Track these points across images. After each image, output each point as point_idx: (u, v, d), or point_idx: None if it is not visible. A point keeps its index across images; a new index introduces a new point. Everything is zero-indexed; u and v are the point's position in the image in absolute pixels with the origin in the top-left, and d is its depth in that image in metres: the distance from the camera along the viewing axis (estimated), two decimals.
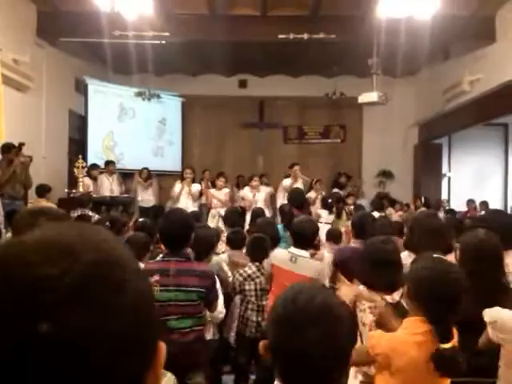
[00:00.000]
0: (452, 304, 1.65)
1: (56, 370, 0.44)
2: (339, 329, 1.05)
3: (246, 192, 8.05)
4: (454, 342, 1.61)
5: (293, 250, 3.35)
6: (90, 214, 5.95)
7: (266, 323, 1.12)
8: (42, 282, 0.45)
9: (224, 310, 3.07)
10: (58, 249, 0.49)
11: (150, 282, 0.56)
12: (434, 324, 1.64)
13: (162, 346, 0.55)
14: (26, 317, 0.44)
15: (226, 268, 3.71)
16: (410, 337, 1.69)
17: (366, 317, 2.45)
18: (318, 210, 7.08)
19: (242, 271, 3.55)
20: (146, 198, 9.22)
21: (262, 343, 1.13)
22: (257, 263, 3.56)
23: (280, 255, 3.40)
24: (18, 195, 6.27)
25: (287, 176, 8.24)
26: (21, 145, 6.43)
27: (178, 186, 7.89)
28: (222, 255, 4.01)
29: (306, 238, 3.37)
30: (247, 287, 3.51)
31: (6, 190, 6.19)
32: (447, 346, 1.59)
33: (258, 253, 3.57)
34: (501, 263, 2.29)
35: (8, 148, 6.27)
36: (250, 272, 3.53)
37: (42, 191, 6.15)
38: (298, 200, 5.54)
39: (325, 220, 6.51)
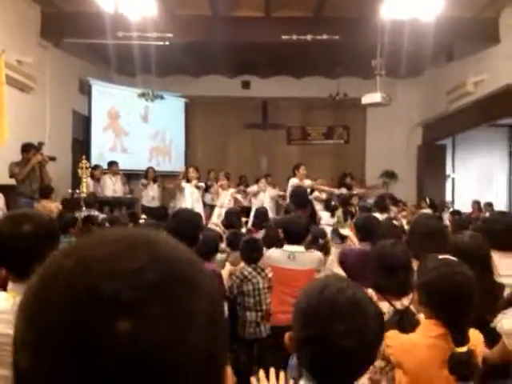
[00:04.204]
0: (463, 306, 1.61)
1: (129, 376, 0.40)
2: (367, 324, 1.05)
3: (253, 188, 8.12)
4: (471, 345, 1.58)
5: (287, 247, 3.37)
6: (97, 214, 5.96)
7: (292, 316, 1.11)
8: (119, 276, 0.42)
9: (226, 312, 3.06)
10: (134, 242, 0.46)
11: (219, 287, 0.52)
12: (449, 329, 1.61)
13: (230, 372, 0.51)
14: (101, 313, 0.40)
15: (227, 268, 3.71)
16: (422, 339, 1.68)
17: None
18: (319, 211, 7.03)
19: (238, 273, 3.55)
20: (150, 197, 9.21)
21: (287, 335, 1.13)
22: (253, 264, 3.57)
23: (276, 255, 3.42)
24: (35, 194, 6.31)
25: (292, 176, 8.22)
26: (40, 144, 6.59)
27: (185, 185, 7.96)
28: (222, 255, 4.01)
29: (298, 235, 3.39)
30: (245, 288, 3.52)
31: (24, 189, 6.26)
32: (463, 349, 1.56)
33: (252, 254, 3.58)
34: (486, 265, 2.26)
35: (27, 147, 6.37)
36: (246, 273, 3.54)
37: (46, 192, 6.19)
38: (300, 199, 5.51)
39: (325, 222, 6.46)
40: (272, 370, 1.48)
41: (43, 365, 0.41)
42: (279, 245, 3.52)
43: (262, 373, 1.46)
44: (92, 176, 8.24)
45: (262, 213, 5.58)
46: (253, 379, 1.44)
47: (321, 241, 3.99)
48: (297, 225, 3.42)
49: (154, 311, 0.42)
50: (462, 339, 1.57)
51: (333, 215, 6.77)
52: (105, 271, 0.42)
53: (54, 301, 0.42)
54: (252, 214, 7.15)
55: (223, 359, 0.49)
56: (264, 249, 3.71)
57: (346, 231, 4.93)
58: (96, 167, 8.64)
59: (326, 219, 6.65)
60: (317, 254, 3.46)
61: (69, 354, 0.40)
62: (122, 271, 0.42)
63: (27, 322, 0.44)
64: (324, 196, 7.88)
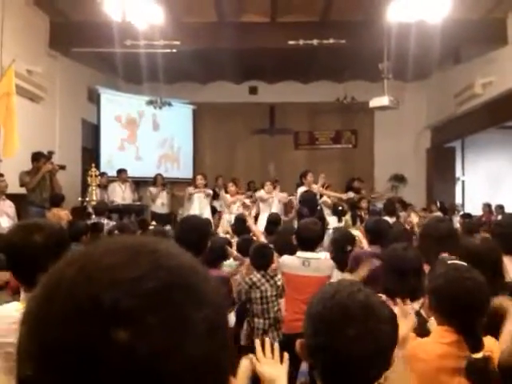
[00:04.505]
0: (475, 312, 1.58)
1: None
2: (380, 328, 1.02)
3: (261, 193, 8.07)
4: (486, 351, 1.54)
5: (301, 254, 3.33)
6: (106, 221, 5.99)
7: (304, 322, 1.09)
8: (119, 285, 0.42)
9: (234, 319, 3.04)
10: (137, 251, 0.45)
11: (223, 296, 0.51)
12: (462, 335, 1.57)
13: (234, 381, 0.51)
14: (101, 322, 0.40)
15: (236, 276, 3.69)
16: (435, 346, 1.65)
17: None
18: (327, 216, 6.97)
19: (247, 279, 3.51)
20: (160, 204, 9.25)
21: (298, 342, 1.11)
22: (262, 271, 3.52)
23: (290, 262, 3.38)
24: (45, 203, 6.36)
25: (300, 184, 8.17)
26: (50, 153, 6.65)
27: (191, 189, 8.01)
28: (231, 262, 3.99)
29: (311, 241, 3.36)
30: (253, 295, 3.46)
31: (34, 198, 6.31)
32: (479, 355, 1.52)
33: (262, 261, 3.54)
34: (497, 269, 2.23)
35: (38, 156, 6.44)
36: (255, 280, 3.48)
37: (57, 200, 6.23)
38: (310, 204, 5.50)
39: (332, 227, 6.39)
40: (267, 340, 1.47)
41: (46, 374, 0.41)
42: (292, 251, 3.48)
43: (258, 343, 1.45)
44: (98, 184, 8.28)
45: (274, 218, 5.57)
46: (251, 355, 1.43)
47: (349, 248, 3.81)
48: (311, 231, 3.38)
49: (152, 320, 0.41)
50: (477, 345, 1.54)
51: (340, 220, 6.72)
52: (105, 280, 0.42)
53: (56, 310, 0.42)
54: (260, 219, 7.15)
55: (226, 368, 0.48)
56: (275, 255, 3.68)
57: (355, 232, 4.91)
58: (102, 175, 8.69)
59: (333, 224, 6.59)
60: (330, 261, 3.41)
61: (71, 364, 0.40)
62: (122, 280, 0.42)
63: (30, 331, 0.43)
64: (330, 201, 7.84)
